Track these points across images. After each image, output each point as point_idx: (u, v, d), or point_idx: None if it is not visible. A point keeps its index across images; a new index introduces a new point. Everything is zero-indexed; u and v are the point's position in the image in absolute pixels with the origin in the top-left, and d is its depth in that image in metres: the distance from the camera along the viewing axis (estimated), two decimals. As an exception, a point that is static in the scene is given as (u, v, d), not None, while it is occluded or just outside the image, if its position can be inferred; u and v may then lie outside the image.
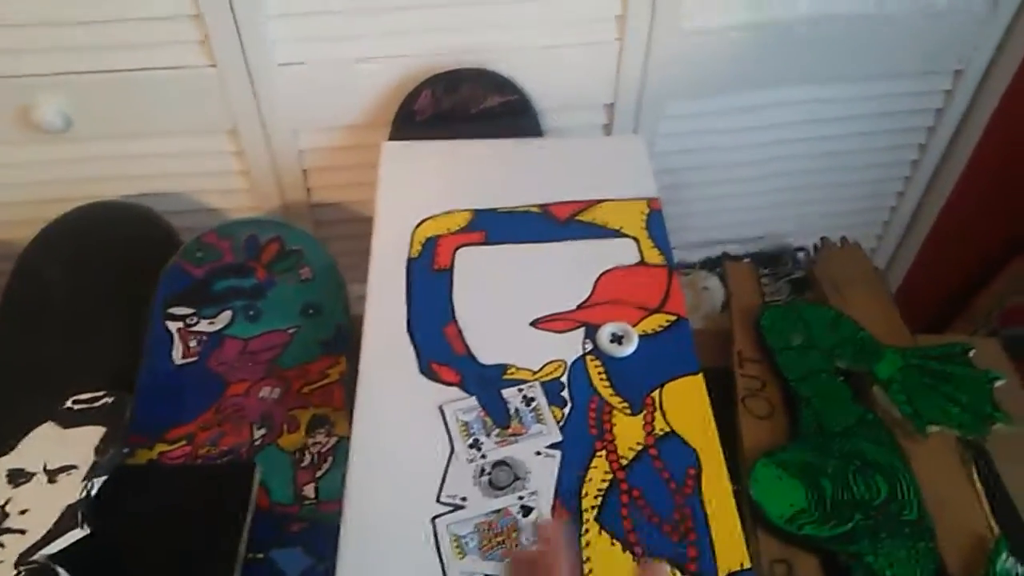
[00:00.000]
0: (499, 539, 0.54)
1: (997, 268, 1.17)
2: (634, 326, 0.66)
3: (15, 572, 0.54)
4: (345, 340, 0.74)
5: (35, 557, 0.55)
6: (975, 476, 0.65)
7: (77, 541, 0.56)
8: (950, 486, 0.64)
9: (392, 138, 0.88)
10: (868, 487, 0.62)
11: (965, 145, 1.07)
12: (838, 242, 0.88)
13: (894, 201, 1.16)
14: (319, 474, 0.65)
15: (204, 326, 0.73)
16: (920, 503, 0.61)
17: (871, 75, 0.98)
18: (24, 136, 0.84)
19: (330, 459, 0.66)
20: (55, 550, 0.55)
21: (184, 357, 0.71)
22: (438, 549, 0.53)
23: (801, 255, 0.99)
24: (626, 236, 0.74)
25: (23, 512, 0.57)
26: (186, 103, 0.85)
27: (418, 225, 0.74)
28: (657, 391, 0.62)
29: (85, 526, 0.56)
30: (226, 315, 0.74)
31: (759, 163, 1.05)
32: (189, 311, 0.74)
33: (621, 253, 0.73)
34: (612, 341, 0.65)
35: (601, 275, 0.71)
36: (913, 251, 1.21)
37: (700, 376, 0.63)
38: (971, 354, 0.74)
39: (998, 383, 0.71)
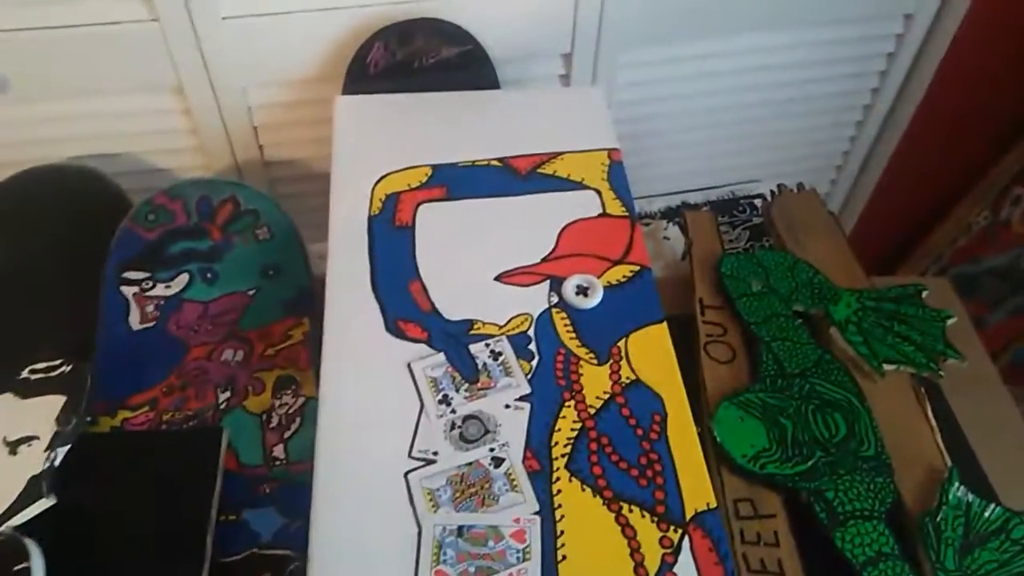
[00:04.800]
0: (471, 490, 0.54)
1: (947, 210, 1.20)
2: (599, 277, 0.67)
3: (-20, 545, 0.53)
4: (308, 301, 0.73)
5: (1, 529, 0.54)
6: (928, 411, 0.67)
7: (44, 512, 0.55)
8: (906, 422, 0.66)
9: (345, 92, 0.86)
10: (827, 425, 0.64)
11: (915, 90, 1.09)
12: (794, 188, 0.89)
13: (847, 146, 1.17)
14: (288, 435, 0.64)
15: (160, 290, 0.71)
16: (877, 440, 0.63)
17: (822, 20, 0.98)
18: (-41, 99, 0.80)
19: (298, 419, 0.65)
20: (21, 521, 0.54)
21: (142, 322, 0.70)
22: (412, 503, 0.54)
23: (759, 202, 1.00)
24: (588, 188, 0.74)
25: (-15, 485, 0.56)
26: (128, 60, 0.81)
27: (377, 182, 0.73)
28: (623, 341, 0.63)
29: (51, 496, 0.55)
30: (183, 278, 0.72)
31: (715, 111, 1.05)
32: (144, 275, 0.72)
33: (583, 205, 0.72)
34: (578, 293, 0.65)
35: (564, 227, 0.70)
36: (866, 195, 1.23)
37: (664, 324, 0.64)
38: (924, 295, 0.76)
39: (950, 322, 0.73)
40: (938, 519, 0.59)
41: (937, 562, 0.57)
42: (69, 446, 0.58)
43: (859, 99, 1.11)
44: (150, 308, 0.70)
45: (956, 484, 0.61)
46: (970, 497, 0.61)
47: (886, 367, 0.69)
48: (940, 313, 0.74)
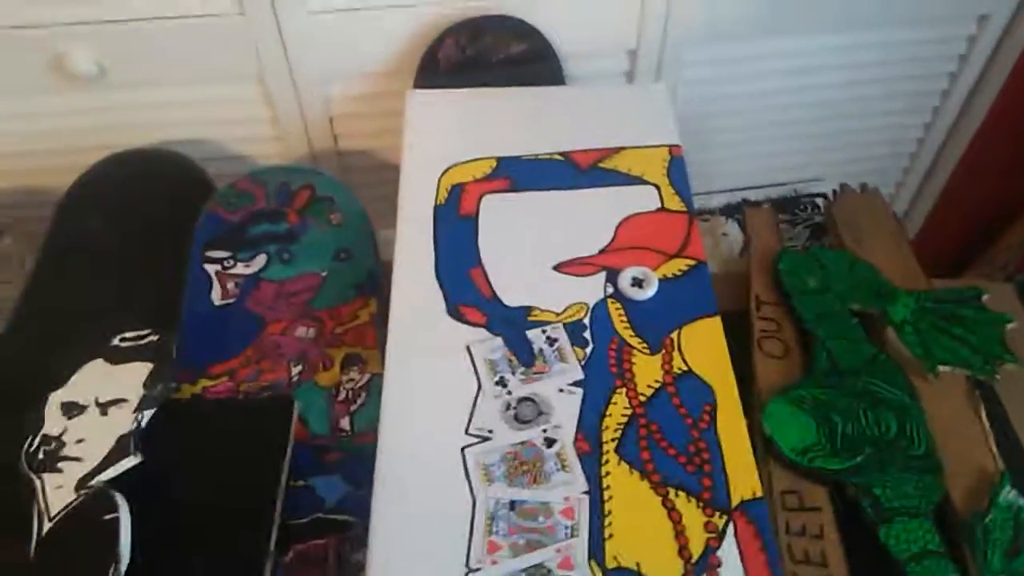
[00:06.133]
0: (524, 468, 0.57)
1: (1015, 217, 1.18)
2: (654, 270, 0.68)
3: (75, 496, 0.58)
4: (376, 283, 0.77)
5: (92, 483, 0.59)
6: (983, 414, 0.67)
7: (130, 468, 0.60)
8: (958, 424, 0.66)
9: (416, 86, 0.89)
10: (878, 423, 0.64)
11: (987, 94, 1.07)
12: (857, 188, 0.89)
13: (914, 148, 1.16)
14: (353, 408, 0.68)
15: (241, 268, 0.76)
16: (928, 439, 0.64)
17: (893, 21, 0.98)
18: (60, 85, 0.86)
19: (363, 395, 0.69)
20: (110, 476, 0.59)
21: (223, 298, 0.75)
22: (467, 476, 0.57)
23: (820, 201, 1.00)
24: (647, 183, 0.76)
25: (79, 441, 0.61)
26: (215, 51, 0.87)
27: (444, 172, 0.76)
28: (676, 332, 0.65)
29: (137, 454, 0.60)
30: (261, 258, 0.77)
31: (779, 110, 1.05)
32: (226, 254, 0.77)
33: (642, 200, 0.74)
34: (633, 285, 0.67)
35: (622, 221, 0.72)
36: (932, 199, 1.21)
37: (718, 318, 0.65)
38: (984, 298, 0.75)
39: (1010, 326, 0.73)
40: (987, 520, 0.59)
41: (984, 562, 0.57)
42: (154, 409, 0.63)
43: (928, 101, 1.09)
44: (231, 285, 0.75)
45: (1008, 487, 0.61)
46: (1021, 501, 0.61)
47: (941, 369, 0.69)
48: (1000, 317, 0.73)
